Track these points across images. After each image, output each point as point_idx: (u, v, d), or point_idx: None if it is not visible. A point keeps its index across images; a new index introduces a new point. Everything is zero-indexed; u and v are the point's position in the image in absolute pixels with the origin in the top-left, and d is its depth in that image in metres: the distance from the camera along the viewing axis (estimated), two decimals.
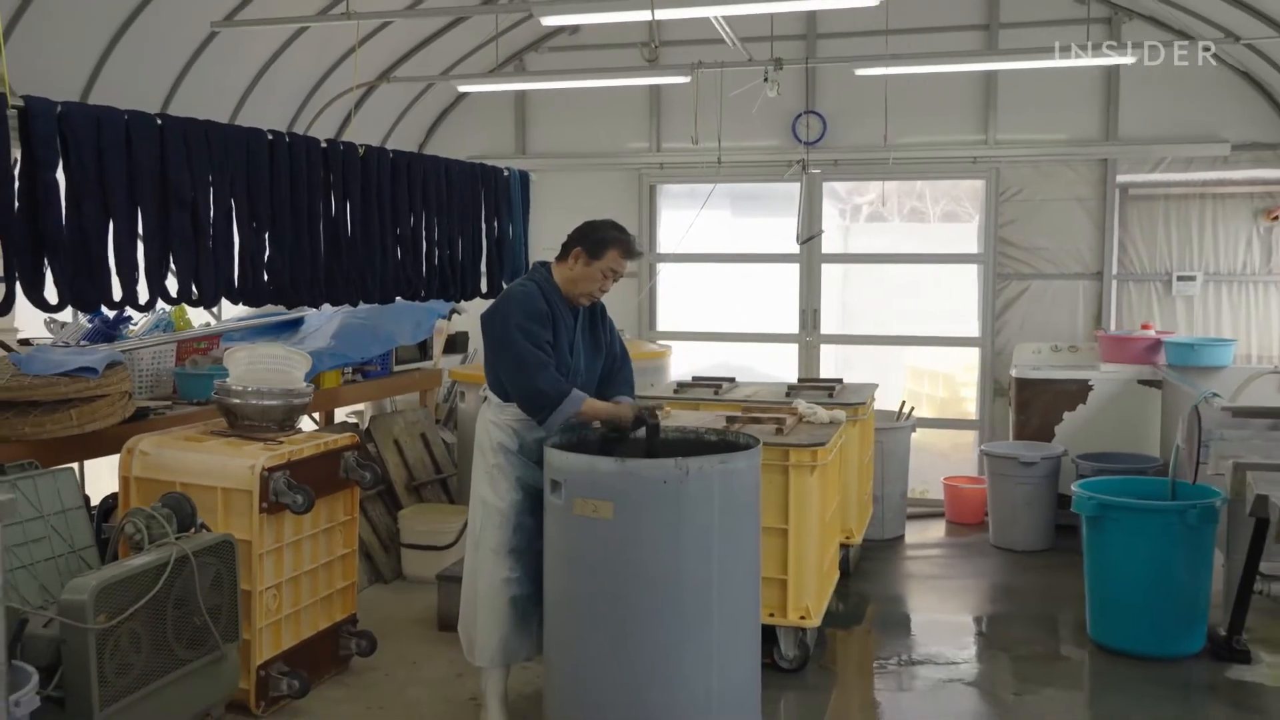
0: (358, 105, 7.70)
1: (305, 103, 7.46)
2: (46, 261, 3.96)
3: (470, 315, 7.81)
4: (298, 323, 6.80)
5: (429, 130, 9.06)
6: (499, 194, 6.58)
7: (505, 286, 6.67)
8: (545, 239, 7.51)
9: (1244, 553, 5.04)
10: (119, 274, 4.23)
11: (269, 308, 5.80)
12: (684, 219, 8.67)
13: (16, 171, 3.86)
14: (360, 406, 7.83)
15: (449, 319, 7.78)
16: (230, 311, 6.95)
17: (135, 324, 5.80)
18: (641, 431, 4.13)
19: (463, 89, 8.28)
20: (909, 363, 9.06)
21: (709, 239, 8.70)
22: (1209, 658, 5.13)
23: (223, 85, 6.63)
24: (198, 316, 6.34)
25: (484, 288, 6.54)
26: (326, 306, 5.79)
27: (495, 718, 4.21)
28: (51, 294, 4.06)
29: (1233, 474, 3.95)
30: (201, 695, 3.97)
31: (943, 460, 8.55)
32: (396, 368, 7.04)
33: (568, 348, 4.12)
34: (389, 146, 8.21)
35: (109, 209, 4.15)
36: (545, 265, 4.25)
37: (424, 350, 7.38)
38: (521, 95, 8.91)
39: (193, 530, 4.05)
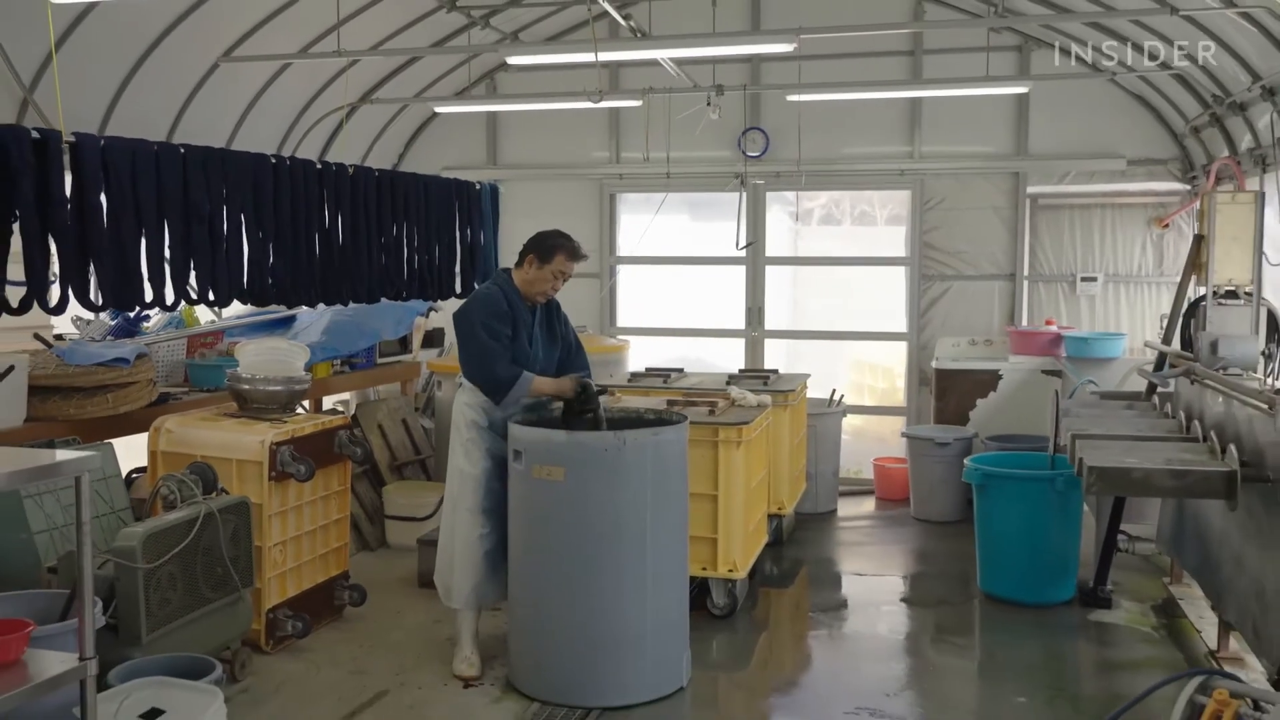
0: (344, 121, 8.50)
1: (294, 123, 8.23)
2: (92, 269, 4.74)
3: (446, 313, 8.61)
4: (291, 320, 7.58)
5: (407, 143, 9.86)
6: (471, 205, 7.40)
7: (476, 288, 7.52)
8: (516, 243, 8.24)
9: (1108, 512, 5.93)
10: (150, 279, 5.02)
11: (270, 306, 6.57)
12: (643, 223, 9.52)
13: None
14: (346, 395, 8.62)
15: (427, 316, 8.58)
16: (229, 310, 7.72)
17: (150, 321, 6.57)
18: (590, 409, 4.94)
19: (439, 110, 9.04)
20: (853, 356, 9.91)
21: (668, 242, 9.55)
22: (1079, 604, 6.02)
23: (223, 109, 7.39)
24: (203, 315, 7.12)
25: (458, 289, 7.35)
26: (320, 305, 6.57)
27: (467, 651, 5.03)
28: (93, 296, 4.84)
29: (1070, 443, 4.82)
30: (224, 630, 4.77)
31: (880, 444, 9.40)
32: (380, 360, 7.84)
33: (527, 340, 4.96)
34: (370, 160, 9.09)
35: (142, 225, 4.94)
36: (507, 271, 5.08)
37: (404, 344, 8.18)
38: (492, 111, 9.70)
39: (215, 493, 4.85)
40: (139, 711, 3.70)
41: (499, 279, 5.02)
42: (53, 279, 4.77)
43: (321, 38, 7.43)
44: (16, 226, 4.45)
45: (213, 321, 7.11)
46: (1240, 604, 4.56)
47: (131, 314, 6.25)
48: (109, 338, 6.10)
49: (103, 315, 6.30)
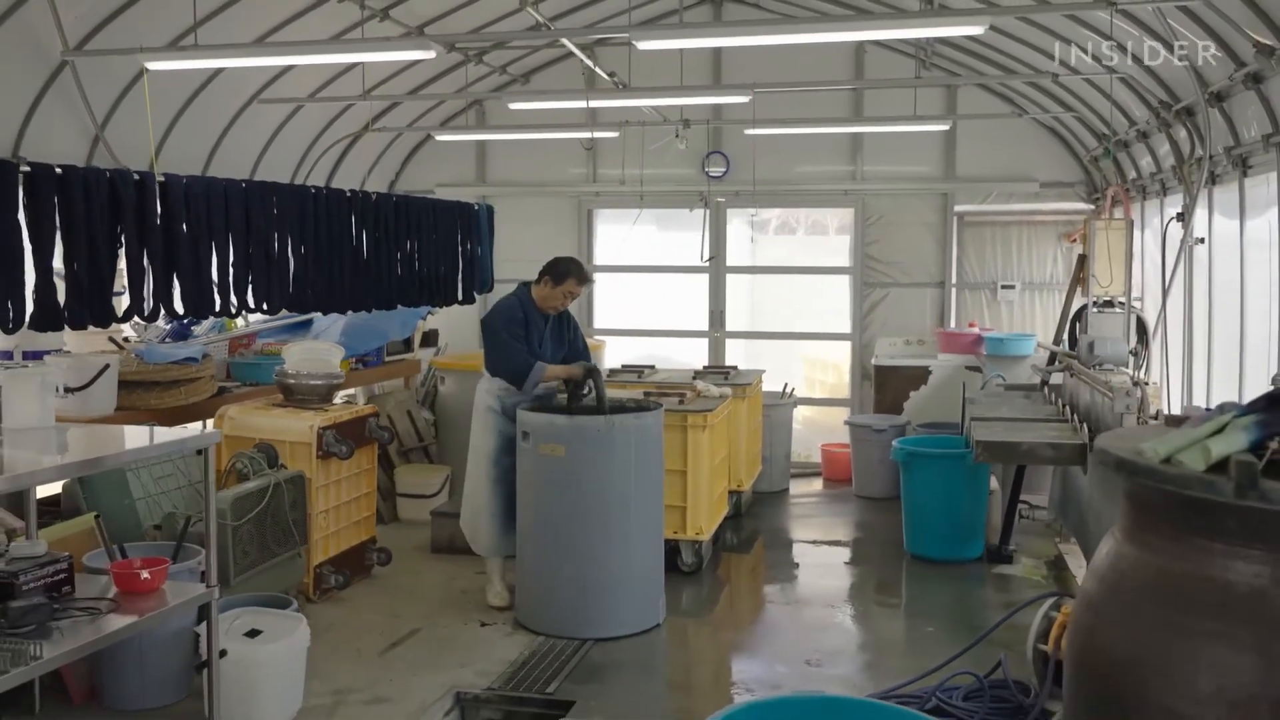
0: (361, 138, 9.58)
1: (307, 151, 9.28)
2: (176, 283, 5.79)
3: (440, 317, 9.70)
4: (309, 323, 8.62)
5: (403, 163, 10.92)
6: (470, 224, 8.49)
7: (475, 295, 8.65)
8: (503, 253, 9.43)
9: (1011, 484, 7.14)
10: (219, 291, 6.08)
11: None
12: (617, 233, 10.67)
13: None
14: (352, 390, 9.67)
15: (424, 319, 9.65)
16: (255, 315, 8.74)
17: (199, 325, 7.60)
18: (591, 394, 6.06)
19: (440, 138, 10.10)
20: (806, 354, 11.08)
21: (638, 252, 10.69)
22: (986, 561, 7.22)
23: (249, 142, 8.43)
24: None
25: (459, 296, 8.44)
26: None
27: (498, 587, 6.21)
28: (177, 307, 5.89)
29: (970, 425, 6.00)
30: (284, 579, 5.85)
31: (828, 432, 10.59)
32: (387, 358, 8.90)
33: (537, 342, 6.11)
34: (371, 179, 10.14)
35: (214, 247, 6.00)
36: (526, 285, 6.21)
37: (407, 344, 9.25)
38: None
39: (276, 468, 5.92)
40: (243, 631, 4.78)
41: (519, 292, 6.17)
42: (121, 290, 5.82)
43: (337, 78, 8.49)
44: (122, 251, 5.50)
45: (247, 324, 8.14)
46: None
47: (185, 319, 7.29)
48: (167, 340, 7.14)
49: (159, 321, 7.34)
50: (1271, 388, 4.13)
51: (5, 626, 3.84)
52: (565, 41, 6.15)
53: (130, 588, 4.34)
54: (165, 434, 4.31)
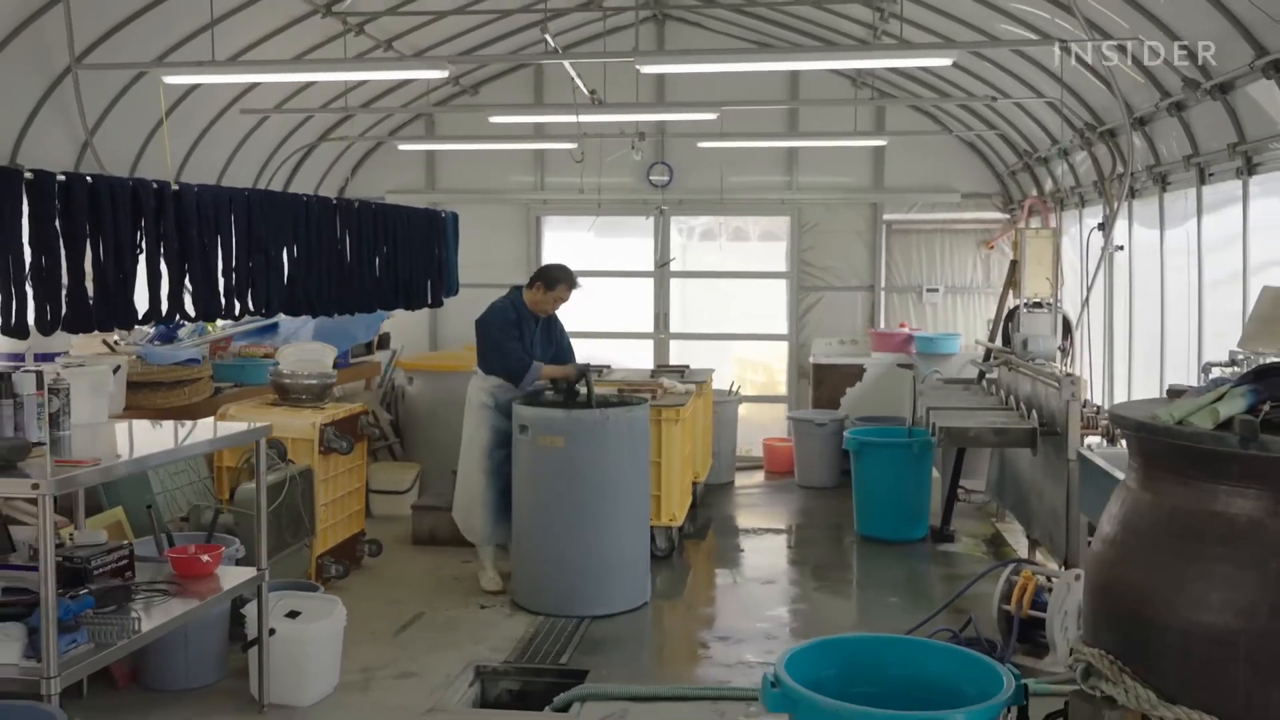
0: (304, 158, 9.84)
1: (268, 160, 9.49)
2: (189, 287, 6.04)
3: (392, 320, 9.93)
4: (275, 327, 8.84)
5: (354, 169, 11.15)
6: (439, 231, 8.83)
7: (443, 299, 8.98)
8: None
9: (950, 471, 7.83)
10: (224, 295, 6.34)
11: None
12: (560, 239, 11.12)
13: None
14: None
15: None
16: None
17: (183, 328, 7.78)
18: (583, 388, 6.48)
19: (402, 147, 10.39)
20: (737, 355, 11.66)
21: (580, 257, 11.10)
22: (930, 540, 7.89)
23: (218, 150, 8.62)
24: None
25: (429, 300, 8.77)
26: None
27: (491, 573, 6.60)
28: (188, 309, 6.13)
29: (926, 415, 6.64)
30: (294, 569, 6.15)
31: (763, 428, 11.20)
32: (352, 360, 9.17)
33: (529, 343, 6.53)
34: (323, 186, 10.40)
35: (221, 252, 6.26)
36: (518, 289, 6.62)
37: (369, 347, 9.53)
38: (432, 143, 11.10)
39: (286, 463, 6.22)
40: (283, 613, 5.09)
41: (512, 295, 6.59)
42: None
43: (303, 90, 8.75)
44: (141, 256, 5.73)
45: (223, 328, 8.33)
46: (1042, 524, 6.48)
47: (171, 323, 7.48)
48: (155, 342, 7.32)
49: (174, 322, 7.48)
50: (1202, 374, 4.84)
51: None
52: (566, 65, 6.57)
53: (190, 572, 4.66)
54: (223, 427, 4.62)
